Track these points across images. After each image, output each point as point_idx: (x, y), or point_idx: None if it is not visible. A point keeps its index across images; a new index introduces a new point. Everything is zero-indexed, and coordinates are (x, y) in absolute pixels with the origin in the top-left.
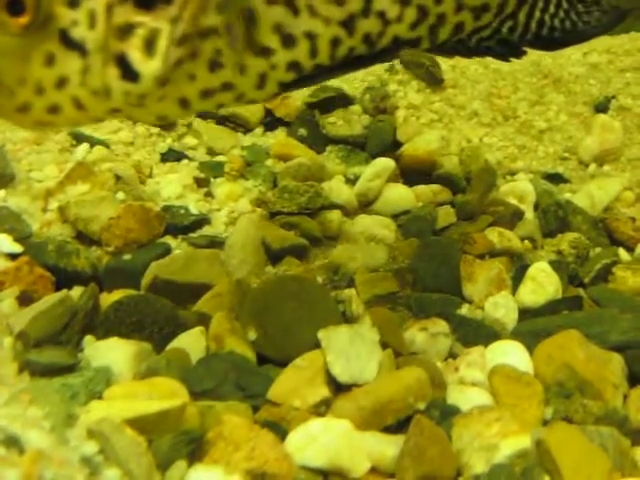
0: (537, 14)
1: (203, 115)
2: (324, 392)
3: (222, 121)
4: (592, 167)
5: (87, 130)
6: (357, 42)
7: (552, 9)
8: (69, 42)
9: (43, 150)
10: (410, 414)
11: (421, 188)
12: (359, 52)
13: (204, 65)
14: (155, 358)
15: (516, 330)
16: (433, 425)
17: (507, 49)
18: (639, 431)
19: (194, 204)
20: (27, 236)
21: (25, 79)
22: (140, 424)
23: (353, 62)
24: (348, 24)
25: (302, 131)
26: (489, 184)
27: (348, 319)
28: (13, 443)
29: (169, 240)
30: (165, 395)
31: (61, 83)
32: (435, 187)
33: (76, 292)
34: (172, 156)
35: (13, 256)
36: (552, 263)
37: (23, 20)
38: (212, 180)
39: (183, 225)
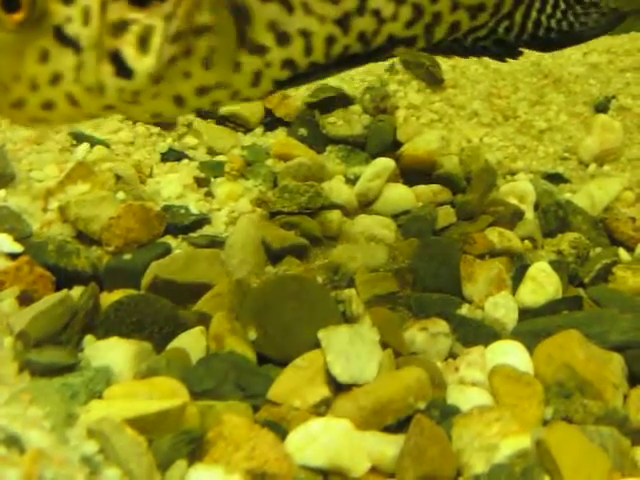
0: (534, 14)
1: (203, 115)
2: (324, 392)
3: (222, 121)
4: (592, 167)
5: (87, 130)
6: (352, 40)
7: (549, 10)
8: (63, 38)
9: (43, 150)
10: (410, 414)
11: (421, 188)
12: (354, 50)
13: (199, 62)
14: (155, 358)
15: (516, 330)
16: (433, 425)
17: (503, 49)
18: (639, 431)
19: (194, 204)
20: (27, 236)
21: (20, 75)
22: (140, 424)
23: (348, 60)
24: (343, 22)
25: (302, 131)
26: (489, 184)
27: (348, 319)
28: (13, 443)
29: (169, 240)
30: (165, 395)
31: (55, 79)
32: (435, 187)
33: (76, 292)
34: (172, 156)
35: (13, 256)
36: (552, 263)
37: (18, 16)
38: (212, 180)
39: (183, 225)
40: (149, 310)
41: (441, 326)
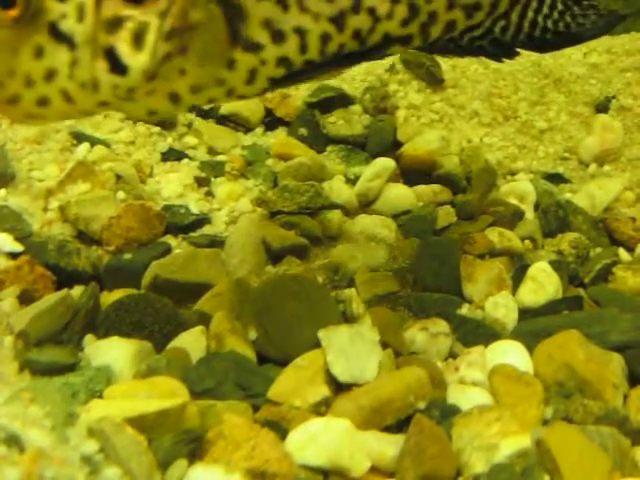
0: (530, 14)
1: (204, 115)
2: (324, 391)
3: (223, 121)
4: (592, 167)
5: (88, 129)
6: (347, 39)
7: (546, 10)
8: (58, 35)
9: (44, 149)
10: (410, 413)
11: (421, 188)
12: (349, 49)
13: (193, 60)
14: (155, 357)
15: (516, 330)
16: (433, 425)
17: (500, 49)
18: (639, 431)
19: (194, 203)
20: (28, 235)
21: (15, 71)
22: (140, 423)
23: (344, 59)
24: (338, 20)
25: (302, 131)
26: (489, 184)
27: (348, 319)
28: (14, 442)
29: (169, 239)
30: (165, 394)
31: (50, 75)
32: (435, 187)
33: (77, 291)
34: (173, 155)
35: (14, 255)
36: (552, 263)
37: (13, 13)
38: (213, 179)
39: (184, 224)
40: (149, 309)
41: (441, 326)
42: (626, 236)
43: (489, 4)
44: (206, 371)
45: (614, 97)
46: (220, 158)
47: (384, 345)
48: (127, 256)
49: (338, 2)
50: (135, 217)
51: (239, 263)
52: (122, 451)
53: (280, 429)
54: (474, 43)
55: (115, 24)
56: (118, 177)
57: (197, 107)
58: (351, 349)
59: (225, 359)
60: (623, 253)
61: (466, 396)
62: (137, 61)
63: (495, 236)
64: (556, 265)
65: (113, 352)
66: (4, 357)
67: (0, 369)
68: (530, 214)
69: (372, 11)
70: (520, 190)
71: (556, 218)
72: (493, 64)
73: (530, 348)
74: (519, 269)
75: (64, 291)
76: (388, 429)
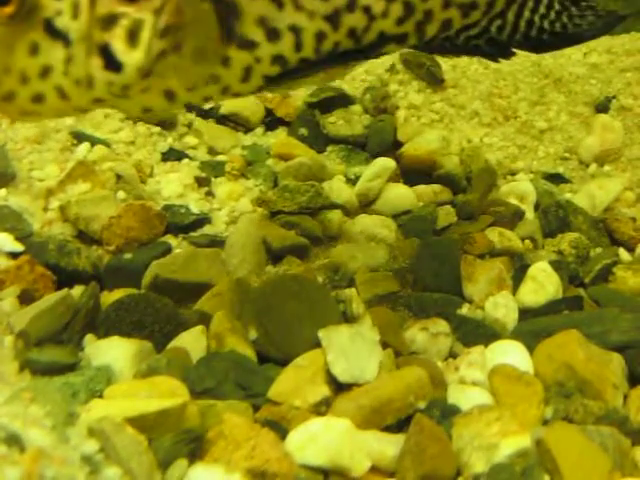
0: (526, 14)
1: (204, 115)
2: (324, 391)
3: (223, 121)
4: (593, 167)
5: (88, 129)
6: (342, 37)
7: (542, 10)
8: (53, 32)
9: (44, 149)
10: (410, 413)
11: (422, 188)
12: (345, 47)
13: (188, 57)
14: (156, 357)
15: (516, 330)
16: (433, 424)
17: (496, 49)
18: (639, 431)
19: (195, 203)
20: (28, 235)
21: (10, 68)
22: (141, 423)
23: (339, 57)
24: (333, 18)
25: (303, 131)
26: (489, 184)
27: (348, 319)
28: (14, 441)
29: (170, 239)
30: (166, 394)
31: (45, 72)
32: (436, 187)
33: (77, 291)
34: (173, 155)
35: (14, 255)
36: (552, 263)
37: (8, 10)
38: (213, 179)
39: (184, 224)
40: (149, 309)
41: (441, 326)
42: (626, 236)
43: (485, 3)
44: (206, 371)
45: (614, 97)
46: (220, 158)
47: (384, 345)
48: (127, 256)
49: (333, 0)
50: (135, 217)
51: (239, 263)
52: (122, 451)
53: (280, 429)
54: (470, 42)
55: (110, 21)
56: (118, 177)
57: (197, 107)
58: (351, 349)
59: (225, 359)
60: (623, 253)
61: (466, 396)
62: (132, 58)
63: (495, 236)
64: (556, 265)
65: (113, 352)
66: (4, 357)
67: (0, 369)
68: (530, 214)
69: (367, 9)
70: (520, 190)
71: (556, 218)
72: (493, 64)
73: (530, 348)
74: (519, 269)
75: (64, 291)
76: (388, 429)
